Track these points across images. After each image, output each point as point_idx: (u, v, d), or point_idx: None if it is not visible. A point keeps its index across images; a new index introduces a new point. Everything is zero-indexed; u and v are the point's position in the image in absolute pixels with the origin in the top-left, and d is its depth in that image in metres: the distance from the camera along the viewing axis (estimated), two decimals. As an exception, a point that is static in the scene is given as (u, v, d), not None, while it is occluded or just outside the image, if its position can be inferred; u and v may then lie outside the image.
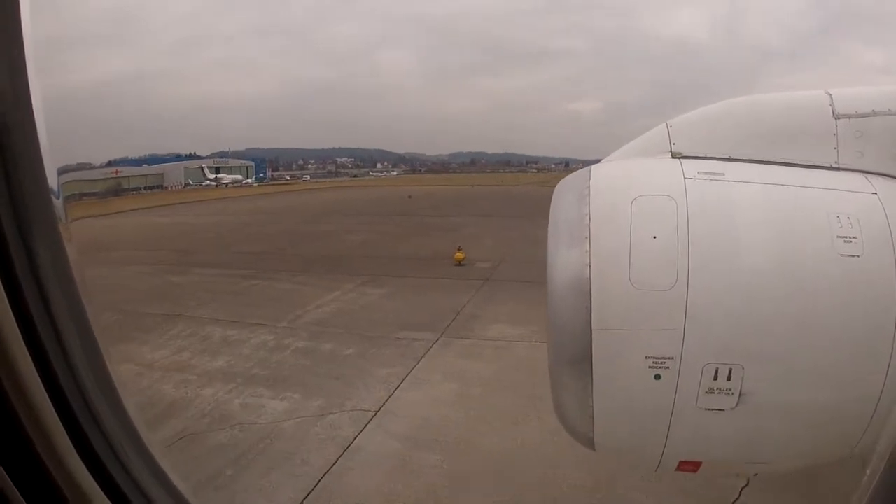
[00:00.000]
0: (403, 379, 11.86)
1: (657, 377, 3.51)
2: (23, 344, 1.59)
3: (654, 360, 3.50)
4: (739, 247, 3.59)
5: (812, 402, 3.62)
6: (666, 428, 3.66)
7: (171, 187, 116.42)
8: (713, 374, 3.48)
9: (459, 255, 24.34)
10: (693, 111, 4.44)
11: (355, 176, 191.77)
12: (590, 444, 3.92)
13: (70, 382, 1.76)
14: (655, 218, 3.60)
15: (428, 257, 26.43)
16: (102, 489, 1.82)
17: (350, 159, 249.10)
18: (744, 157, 4.04)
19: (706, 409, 3.56)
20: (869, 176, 3.90)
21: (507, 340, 13.87)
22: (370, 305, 18.11)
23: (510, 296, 17.84)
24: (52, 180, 1.73)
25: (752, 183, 3.81)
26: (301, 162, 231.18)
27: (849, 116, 4.05)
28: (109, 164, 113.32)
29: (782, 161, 4.03)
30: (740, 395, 3.50)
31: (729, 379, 3.48)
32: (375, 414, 10.25)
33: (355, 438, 9.35)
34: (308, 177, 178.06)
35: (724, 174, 3.85)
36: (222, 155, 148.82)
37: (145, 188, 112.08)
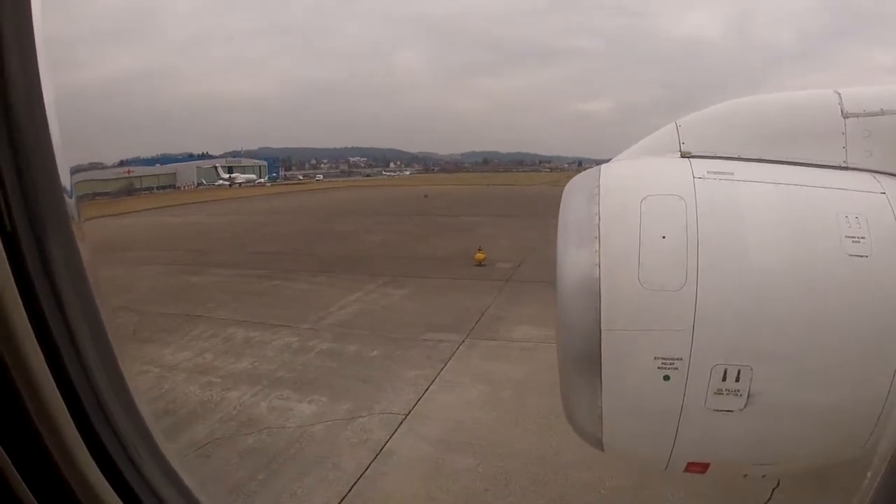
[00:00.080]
0: (432, 381, 11.71)
1: (666, 378, 3.50)
2: (35, 343, 1.58)
3: (663, 361, 3.48)
4: (748, 247, 3.57)
5: (820, 403, 3.59)
6: (674, 429, 3.64)
7: (184, 187, 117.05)
8: (722, 374, 3.46)
9: (480, 256, 24.18)
10: (702, 110, 4.42)
11: (368, 175, 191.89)
12: (598, 444, 3.90)
13: (82, 382, 1.75)
14: (665, 218, 3.59)
15: (447, 257, 26.29)
16: (114, 489, 1.81)
17: (363, 159, 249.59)
18: (753, 157, 4.02)
19: (715, 410, 3.54)
20: (877, 175, 3.86)
21: (534, 342, 13.63)
22: (393, 306, 17.97)
23: (533, 297, 17.52)
24: (65, 180, 1.72)
25: (761, 182, 3.79)
26: (314, 161, 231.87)
27: (857, 116, 4.01)
28: (121, 163, 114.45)
29: (791, 160, 4.01)
30: (749, 396, 3.48)
31: (738, 380, 3.46)
32: (406, 417, 10.12)
33: (387, 442, 9.21)
34: (321, 176, 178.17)
35: (733, 174, 3.83)
36: (235, 154, 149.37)
37: (158, 188, 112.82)
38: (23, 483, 1.56)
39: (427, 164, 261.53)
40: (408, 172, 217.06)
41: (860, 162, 3.95)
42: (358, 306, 18.00)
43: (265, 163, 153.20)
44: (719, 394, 3.49)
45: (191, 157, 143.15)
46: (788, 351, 3.47)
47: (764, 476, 4.53)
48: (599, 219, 3.64)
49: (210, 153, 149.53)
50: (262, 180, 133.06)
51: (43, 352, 1.59)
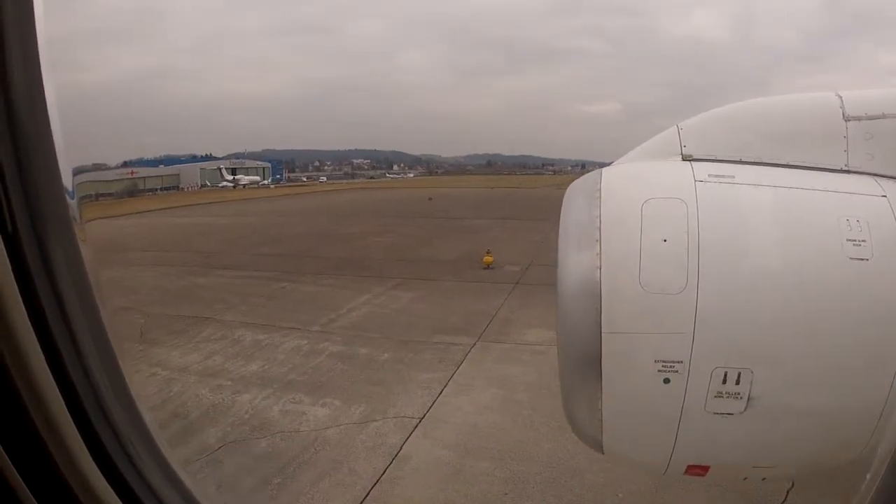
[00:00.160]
0: (445, 384, 11.63)
1: (666, 381, 3.50)
2: (36, 343, 1.57)
3: (664, 364, 3.48)
4: (749, 250, 3.59)
5: (821, 406, 3.59)
6: (674, 431, 3.64)
7: (187, 188, 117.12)
8: (722, 377, 3.46)
9: (488, 259, 24.09)
10: (704, 113, 4.43)
11: (372, 177, 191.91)
12: (598, 447, 3.91)
13: (83, 382, 1.74)
14: (666, 221, 3.60)
15: (455, 260, 26.21)
16: (115, 490, 1.82)
17: (366, 161, 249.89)
18: (754, 160, 4.04)
19: (715, 413, 3.55)
20: (879, 179, 3.87)
21: (546, 345, 13.45)
22: (402, 309, 17.87)
23: (542, 300, 17.20)
24: (67, 181, 1.72)
25: (762, 186, 3.80)
26: (317, 163, 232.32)
27: (859, 119, 4.03)
28: (125, 164, 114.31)
29: (792, 164, 4.02)
30: (749, 399, 3.49)
31: (738, 383, 3.46)
32: (421, 421, 10.03)
33: (402, 446, 9.13)
34: (325, 178, 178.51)
35: (734, 177, 3.84)
36: (238, 156, 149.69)
37: (161, 189, 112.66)
38: (23, 484, 1.56)
39: (430, 167, 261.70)
40: (411, 174, 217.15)
41: (861, 165, 3.96)
42: (367, 309, 17.91)
43: (269, 164, 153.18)
44: (719, 397, 3.49)
45: (194, 158, 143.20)
46: (789, 354, 3.49)
47: (764, 479, 4.65)
48: (600, 222, 3.66)
49: (213, 154, 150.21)
50: (265, 182, 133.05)
51: (43, 352, 1.58)
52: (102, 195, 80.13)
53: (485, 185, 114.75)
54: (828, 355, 3.49)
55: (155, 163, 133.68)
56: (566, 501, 7.63)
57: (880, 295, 3.45)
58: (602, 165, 4.31)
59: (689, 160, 4.05)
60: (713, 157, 4.04)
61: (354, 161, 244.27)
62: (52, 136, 1.64)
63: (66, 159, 1.69)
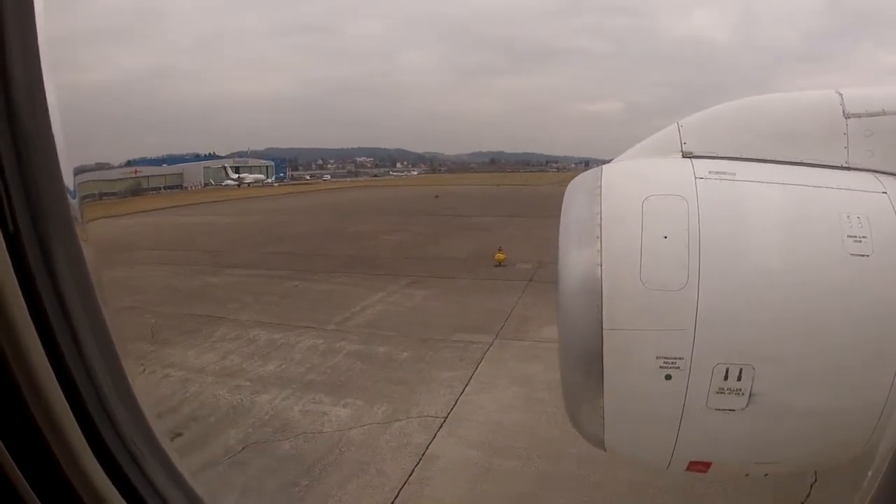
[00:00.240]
0: (467, 383, 11.55)
1: (668, 377, 3.52)
2: (38, 343, 1.56)
3: (665, 361, 3.50)
4: (750, 246, 3.62)
5: (822, 402, 3.61)
6: (676, 428, 3.66)
7: (191, 187, 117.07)
8: (723, 374, 3.48)
9: (500, 256, 23.98)
10: (704, 111, 4.46)
11: (375, 175, 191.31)
12: (600, 444, 3.94)
13: (85, 381, 1.74)
14: (666, 217, 3.61)
15: (466, 258, 26.11)
16: (118, 489, 1.81)
17: (369, 159, 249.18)
18: (754, 157, 4.04)
19: (716, 410, 3.57)
20: (879, 175, 3.89)
21: (564, 343, 13.31)
22: (418, 307, 17.79)
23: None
24: (68, 180, 1.71)
25: (762, 182, 3.83)
26: (320, 162, 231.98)
27: (859, 116, 4.04)
28: (128, 163, 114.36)
29: (793, 160, 4.03)
30: (750, 395, 3.51)
31: (739, 379, 3.48)
32: (445, 420, 9.94)
33: (429, 446, 9.05)
34: (328, 176, 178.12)
35: (734, 174, 3.86)
36: (241, 155, 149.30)
37: (165, 188, 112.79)
38: (26, 483, 1.56)
39: (434, 165, 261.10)
40: (415, 172, 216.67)
41: (862, 162, 3.98)
42: (382, 307, 17.82)
43: (272, 163, 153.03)
44: (721, 393, 3.51)
45: (197, 157, 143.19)
46: (790, 350, 3.50)
47: (766, 475, 4.55)
48: (601, 218, 3.68)
49: (217, 153, 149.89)
50: (269, 180, 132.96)
51: (46, 352, 1.58)
52: (106, 194, 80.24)
53: (489, 182, 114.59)
54: (829, 351, 3.50)
55: (158, 162, 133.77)
56: (598, 499, 7.53)
57: (881, 291, 3.48)
58: (605, 163, 4.31)
59: (690, 157, 4.06)
60: (714, 155, 4.06)
61: (357, 159, 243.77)
62: (52, 135, 1.64)
63: (67, 159, 1.69)
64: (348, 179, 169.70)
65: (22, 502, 1.55)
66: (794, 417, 3.62)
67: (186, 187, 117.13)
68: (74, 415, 1.66)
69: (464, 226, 40.10)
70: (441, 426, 9.68)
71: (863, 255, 3.48)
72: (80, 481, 1.69)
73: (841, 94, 4.14)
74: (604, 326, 3.51)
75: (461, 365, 12.46)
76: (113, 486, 1.78)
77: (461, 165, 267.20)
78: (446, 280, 21.52)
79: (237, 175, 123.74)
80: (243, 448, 9.15)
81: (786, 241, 3.63)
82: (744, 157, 4.01)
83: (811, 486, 7.09)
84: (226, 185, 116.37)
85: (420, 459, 8.61)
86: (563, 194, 4.16)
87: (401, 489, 7.87)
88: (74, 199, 1.75)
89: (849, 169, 3.96)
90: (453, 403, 10.57)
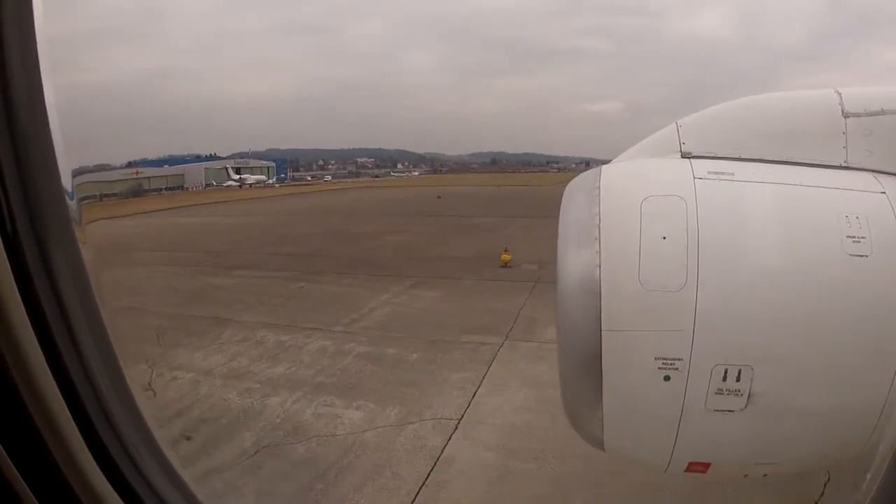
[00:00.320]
0: (479, 384, 11.49)
1: (667, 378, 3.52)
2: (36, 343, 1.58)
3: (664, 361, 3.50)
4: (749, 247, 3.62)
5: (821, 403, 3.63)
6: (675, 429, 3.67)
7: (192, 188, 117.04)
8: (722, 374, 3.49)
9: (506, 257, 23.99)
10: (703, 111, 4.48)
11: (376, 176, 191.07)
12: (599, 444, 3.96)
13: (83, 382, 1.76)
14: (665, 218, 3.63)
15: (471, 258, 26.08)
16: (115, 489, 1.83)
17: (370, 160, 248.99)
18: (753, 157, 4.06)
19: (715, 410, 3.58)
20: (878, 175, 3.91)
21: (573, 344, 13.27)
22: (425, 308, 17.73)
23: (566, 298, 17.20)
24: (67, 182, 1.73)
25: (761, 183, 3.84)
26: (321, 162, 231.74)
27: (858, 115, 4.07)
28: (129, 164, 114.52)
29: (791, 160, 4.05)
30: (749, 395, 3.52)
31: (738, 380, 3.49)
32: (459, 422, 9.89)
33: (444, 448, 8.99)
34: (329, 177, 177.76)
35: (733, 174, 3.87)
36: (242, 155, 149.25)
37: (166, 189, 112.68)
38: (24, 483, 1.57)
39: (435, 165, 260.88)
40: (416, 173, 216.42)
41: (860, 161, 4.00)
42: (389, 308, 17.78)
43: (273, 164, 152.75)
44: (720, 394, 3.52)
45: (198, 158, 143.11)
46: (789, 351, 3.51)
47: (766, 475, 4.52)
48: (600, 219, 3.69)
49: (218, 154, 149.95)
50: (270, 181, 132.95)
51: (43, 351, 1.60)
52: (107, 196, 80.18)
53: (491, 183, 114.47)
54: (828, 351, 3.51)
55: (159, 163, 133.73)
56: (615, 500, 7.55)
57: (880, 291, 3.50)
58: (606, 163, 4.33)
59: (689, 157, 4.07)
60: (712, 155, 4.07)
61: (358, 160, 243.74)
62: (51, 136, 1.66)
63: (66, 160, 1.70)
64: (349, 180, 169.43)
65: (20, 502, 1.56)
66: (794, 418, 3.64)
67: (188, 188, 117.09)
68: (72, 414, 1.68)
69: (467, 226, 40.03)
70: (455, 428, 9.63)
71: (862, 256, 3.50)
72: (78, 481, 1.71)
73: (840, 94, 4.17)
74: (603, 327, 3.52)
75: (472, 366, 12.39)
76: (110, 487, 1.80)
77: (462, 166, 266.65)
78: (452, 281, 21.47)
79: (239, 176, 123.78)
80: (256, 451, 9.08)
81: (785, 242, 3.65)
82: (742, 157, 4.04)
83: (825, 486, 7.07)
84: (227, 186, 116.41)
85: (436, 462, 8.56)
86: (562, 194, 4.18)
87: (418, 492, 7.83)
88: (73, 200, 1.77)
89: (848, 169, 3.99)
90: (466, 405, 10.52)
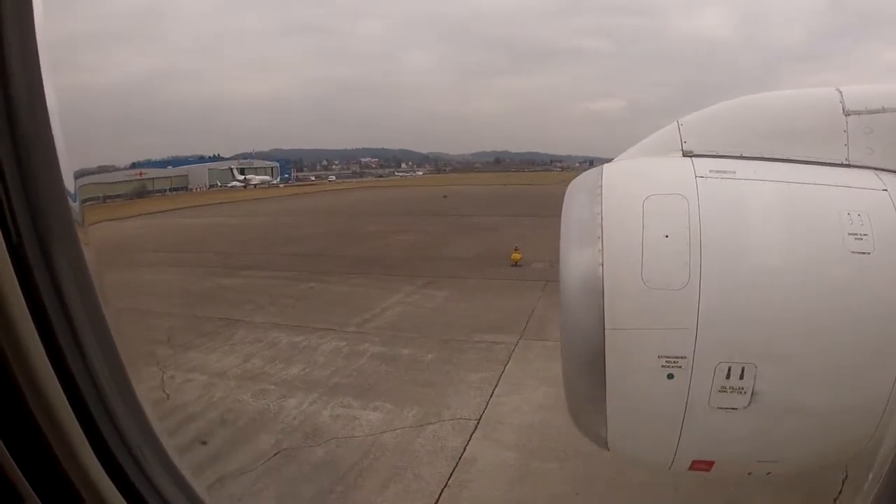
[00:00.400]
0: (496, 384, 11.45)
1: (670, 376, 3.52)
2: (39, 342, 1.58)
3: (667, 360, 3.50)
4: (751, 245, 3.62)
5: (823, 400, 3.61)
6: (679, 427, 3.68)
7: (196, 189, 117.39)
8: (726, 372, 3.49)
9: (516, 256, 23.94)
10: (704, 109, 4.47)
11: (380, 176, 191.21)
12: (603, 443, 3.94)
13: (86, 382, 1.76)
14: (667, 217, 3.63)
15: (481, 258, 26.04)
16: (118, 488, 1.83)
17: (374, 159, 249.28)
18: (755, 155, 4.06)
19: (719, 408, 3.58)
20: (879, 172, 3.90)
21: (589, 343, 13.19)
22: (438, 308, 17.68)
23: (577, 297, 17.11)
24: (69, 183, 1.73)
25: (763, 181, 3.84)
26: (325, 162, 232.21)
27: (859, 113, 4.05)
28: (133, 165, 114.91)
29: (793, 158, 4.04)
30: (753, 393, 3.52)
31: (741, 378, 3.49)
32: (479, 422, 9.84)
33: (465, 449, 8.95)
34: (333, 177, 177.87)
35: (735, 172, 3.87)
36: (246, 156, 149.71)
37: (170, 190, 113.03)
38: (26, 482, 1.57)
39: (438, 165, 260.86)
40: (420, 173, 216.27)
41: (862, 159, 3.99)
42: (401, 308, 17.73)
43: (277, 164, 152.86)
44: (723, 392, 3.52)
45: (202, 159, 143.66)
46: (791, 348, 3.50)
47: (769, 474, 4.44)
48: (602, 218, 3.69)
49: (221, 155, 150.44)
50: (275, 182, 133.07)
51: (46, 350, 1.60)
52: (111, 197, 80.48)
53: (495, 182, 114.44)
54: (830, 349, 3.50)
55: (163, 164, 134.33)
56: (639, 498, 7.52)
57: (882, 288, 3.48)
58: (608, 162, 4.32)
59: (690, 156, 4.07)
60: (714, 153, 4.06)
61: (362, 160, 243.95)
62: (52, 138, 1.66)
63: (68, 162, 1.70)
64: (353, 180, 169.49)
65: (21, 501, 1.57)
66: (796, 416, 3.63)
67: (192, 189, 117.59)
68: (74, 412, 1.68)
69: (473, 226, 39.87)
70: (475, 428, 9.59)
71: (863, 253, 3.49)
72: (79, 477, 1.72)
73: (840, 92, 4.16)
74: (605, 326, 3.52)
75: (488, 366, 12.34)
76: (112, 485, 1.81)
77: (466, 165, 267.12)
78: (463, 280, 21.41)
79: (243, 176, 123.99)
80: (276, 454, 9.03)
81: (786, 239, 3.64)
82: (744, 155, 4.04)
83: (843, 482, 6.96)
84: (231, 187, 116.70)
85: (457, 463, 8.51)
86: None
87: (441, 493, 7.78)
88: (75, 202, 1.77)
89: (849, 166, 3.98)
90: (484, 405, 10.48)
